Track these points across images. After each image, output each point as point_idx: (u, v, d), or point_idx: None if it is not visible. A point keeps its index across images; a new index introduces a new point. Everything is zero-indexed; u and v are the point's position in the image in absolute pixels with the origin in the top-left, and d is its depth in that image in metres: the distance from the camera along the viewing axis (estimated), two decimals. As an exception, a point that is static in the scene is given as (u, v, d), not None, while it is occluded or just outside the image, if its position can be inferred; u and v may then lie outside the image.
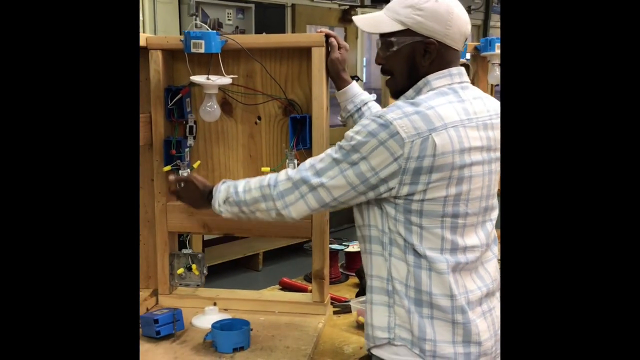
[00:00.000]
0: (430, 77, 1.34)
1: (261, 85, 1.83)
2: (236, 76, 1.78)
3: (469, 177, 1.28)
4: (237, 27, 4.99)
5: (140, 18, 4.00)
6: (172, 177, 1.70)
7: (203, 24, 1.81)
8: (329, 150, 1.34)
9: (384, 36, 1.37)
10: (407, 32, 1.33)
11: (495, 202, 1.39)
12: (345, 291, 2.11)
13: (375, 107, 1.75)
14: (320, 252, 1.82)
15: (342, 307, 1.91)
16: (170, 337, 1.67)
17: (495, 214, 1.41)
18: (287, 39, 1.82)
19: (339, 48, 1.75)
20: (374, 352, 1.38)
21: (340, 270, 2.28)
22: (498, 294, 1.42)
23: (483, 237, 1.36)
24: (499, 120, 1.35)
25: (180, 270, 1.89)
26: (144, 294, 1.90)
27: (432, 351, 1.30)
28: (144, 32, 4.04)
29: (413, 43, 1.33)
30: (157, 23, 4.37)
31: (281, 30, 5.40)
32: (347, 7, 5.99)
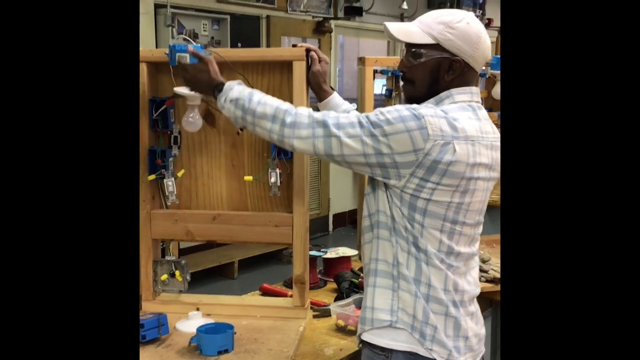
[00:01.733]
0: (453, 90, 1.42)
1: (243, 96, 1.88)
2: (220, 88, 1.83)
3: (472, 190, 1.36)
4: (212, 38, 5.04)
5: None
6: (191, 48, 1.65)
7: (188, 38, 1.86)
8: (355, 114, 1.39)
9: (412, 46, 1.43)
10: (436, 46, 1.40)
11: (482, 218, 1.47)
12: (323, 296, 2.17)
13: None
14: (301, 258, 1.89)
15: (321, 311, 1.98)
16: (155, 342, 1.71)
17: (480, 229, 1.48)
18: (269, 52, 1.90)
19: (320, 61, 1.82)
20: (367, 337, 1.43)
21: (319, 276, 2.35)
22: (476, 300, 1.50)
23: (471, 248, 1.44)
24: (499, 144, 1.43)
25: (164, 277, 1.93)
26: (128, 300, 1.93)
27: (432, 336, 1.37)
28: (120, 42, 4.06)
29: (440, 58, 1.41)
30: (133, 33, 4.39)
31: (256, 41, 5.46)
32: (320, 19, 6.09)
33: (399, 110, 1.34)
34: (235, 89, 1.53)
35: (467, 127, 1.35)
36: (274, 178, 1.83)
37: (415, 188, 1.34)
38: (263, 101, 1.47)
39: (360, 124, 1.36)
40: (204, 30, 4.98)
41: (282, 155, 1.84)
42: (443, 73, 1.42)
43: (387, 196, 1.40)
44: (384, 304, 1.41)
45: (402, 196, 1.36)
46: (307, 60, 1.81)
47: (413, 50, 1.44)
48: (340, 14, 6.34)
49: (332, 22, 6.26)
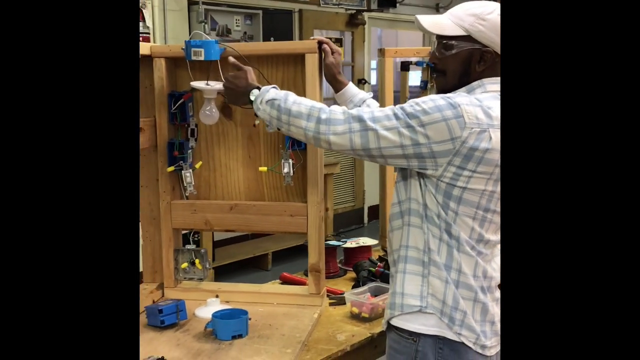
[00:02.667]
0: (485, 80, 1.44)
1: (259, 89, 1.93)
2: (234, 81, 1.89)
3: None
4: (245, 33, 5.11)
5: (150, 26, 4.13)
6: (231, 59, 1.74)
7: (203, 33, 1.92)
8: (390, 107, 1.42)
9: (444, 38, 1.46)
10: (467, 38, 1.42)
11: None
12: (342, 285, 2.21)
13: (374, 104, 1.84)
14: (315, 246, 1.93)
15: (337, 299, 2.01)
16: (174, 326, 1.78)
17: None
18: (282, 46, 1.93)
19: (332, 53, 1.85)
20: (396, 322, 1.46)
21: (339, 265, 2.38)
22: None
23: (497, 236, 1.46)
24: None
25: (184, 265, 2.00)
26: (150, 287, 2.01)
27: (461, 320, 1.40)
28: (154, 40, 4.16)
29: (472, 49, 1.43)
30: (167, 31, 4.50)
31: (289, 35, 5.51)
32: (354, 11, 6.09)
33: (435, 100, 1.36)
34: (271, 91, 1.58)
35: (499, 116, 1.36)
36: (286, 168, 1.87)
37: (452, 177, 1.37)
38: (298, 101, 1.51)
39: (396, 115, 1.37)
40: (237, 26, 5.06)
41: (296, 146, 1.88)
42: (474, 64, 1.44)
43: (420, 184, 1.42)
44: (414, 289, 1.44)
45: (438, 184, 1.39)
46: (319, 53, 1.84)
47: (444, 42, 1.46)
48: (374, 5, 6.33)
49: (366, 15, 6.26)
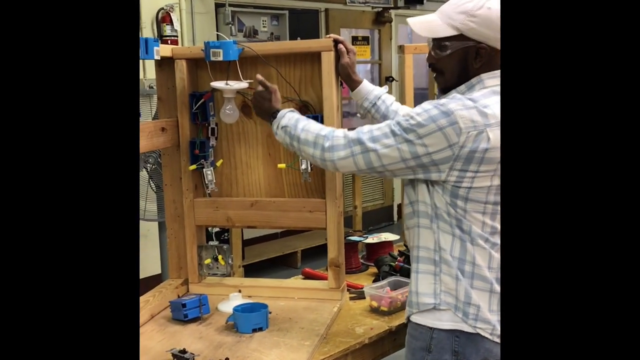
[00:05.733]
0: (483, 75, 1.44)
1: (277, 88, 1.97)
2: (252, 80, 1.93)
3: None
4: (272, 34, 5.17)
5: (178, 29, 4.20)
6: (259, 77, 1.79)
7: (221, 34, 1.97)
8: (387, 122, 1.45)
9: (437, 39, 1.47)
10: (460, 37, 1.43)
11: None
12: (364, 280, 2.23)
13: (389, 99, 1.86)
14: (335, 242, 1.96)
15: (357, 294, 2.04)
16: (197, 320, 1.83)
17: None
18: (298, 44, 1.96)
19: (347, 52, 1.87)
20: (415, 319, 1.49)
21: (361, 260, 2.41)
22: None
23: None
24: None
25: (208, 261, 2.05)
26: (175, 282, 2.07)
27: (475, 314, 1.42)
28: (182, 43, 4.24)
29: (466, 47, 1.43)
30: (196, 33, 4.58)
31: (315, 34, 5.54)
32: (380, 9, 6.10)
33: (428, 111, 1.37)
34: (286, 116, 1.63)
35: (497, 112, 1.37)
36: (304, 165, 1.91)
37: (456, 179, 1.39)
38: (306, 128, 1.57)
39: (393, 132, 1.41)
40: (264, 27, 5.12)
41: (314, 143, 1.91)
42: (471, 61, 1.44)
43: (428, 186, 1.45)
44: (427, 288, 1.47)
45: (444, 186, 1.41)
46: (336, 53, 1.87)
47: (438, 43, 1.46)
48: (400, 3, 6.33)
49: (392, 12, 6.26)
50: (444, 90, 1.51)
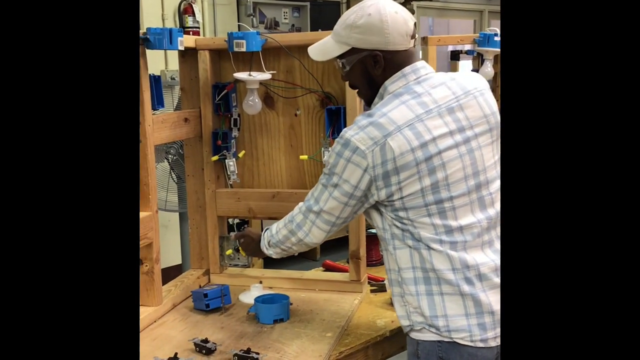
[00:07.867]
0: (386, 82, 1.44)
1: (300, 79, 1.97)
2: (275, 72, 1.93)
3: (441, 165, 1.35)
4: (293, 26, 5.16)
5: (200, 21, 4.21)
6: (233, 235, 1.94)
7: (244, 25, 1.96)
8: (320, 178, 1.49)
9: (338, 59, 1.48)
10: (352, 50, 1.44)
11: (490, 175, 1.42)
12: (385, 272, 2.21)
13: None
14: (355, 234, 1.96)
15: (378, 286, 2.03)
16: (218, 310, 1.84)
17: (494, 186, 1.43)
18: (321, 36, 1.93)
19: None
20: (410, 335, 1.48)
21: (382, 253, 2.39)
22: None
23: (480, 214, 1.41)
24: (470, 98, 1.40)
25: (229, 252, 2.06)
26: (197, 273, 2.08)
27: (446, 326, 1.39)
28: (204, 34, 4.25)
29: (361, 58, 1.44)
30: (217, 24, 4.59)
31: (337, 26, 5.51)
32: (402, 0, 6.05)
33: (334, 149, 1.41)
34: (264, 235, 1.69)
35: (399, 115, 1.35)
36: (326, 156, 1.90)
37: (387, 196, 1.38)
38: (278, 227, 1.63)
39: (324, 185, 1.45)
40: (285, 18, 5.11)
41: (336, 134, 1.90)
42: (371, 70, 1.44)
43: (375, 210, 1.46)
44: (400, 310, 1.47)
45: (384, 205, 1.41)
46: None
47: (339, 62, 1.48)
48: (423, -6, 6.28)
49: (414, 4, 6.20)
50: (368, 103, 1.52)
